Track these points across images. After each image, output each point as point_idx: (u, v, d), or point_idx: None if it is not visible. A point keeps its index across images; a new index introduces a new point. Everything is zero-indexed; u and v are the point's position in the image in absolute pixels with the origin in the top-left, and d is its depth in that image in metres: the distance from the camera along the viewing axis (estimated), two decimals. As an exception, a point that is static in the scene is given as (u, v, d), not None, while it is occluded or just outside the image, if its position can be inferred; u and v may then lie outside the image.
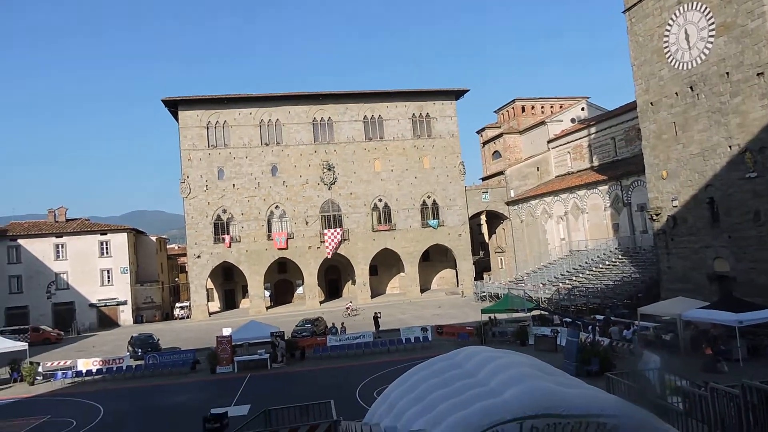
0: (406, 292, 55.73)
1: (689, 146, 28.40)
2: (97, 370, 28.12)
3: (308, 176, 54.12)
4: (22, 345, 29.61)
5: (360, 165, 55.08)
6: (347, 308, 45.94)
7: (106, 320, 52.63)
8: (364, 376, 23.20)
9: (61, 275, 51.89)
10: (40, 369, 28.24)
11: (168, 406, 21.64)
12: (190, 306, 54.67)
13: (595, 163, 50.97)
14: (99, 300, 52.67)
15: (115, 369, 28.19)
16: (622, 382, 13.33)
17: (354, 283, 55.97)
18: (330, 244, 53.24)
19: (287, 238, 53.09)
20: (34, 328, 44.75)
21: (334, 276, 60.59)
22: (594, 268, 42.22)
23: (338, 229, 53.83)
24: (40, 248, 51.97)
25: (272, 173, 53.77)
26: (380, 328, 34.45)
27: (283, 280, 58.77)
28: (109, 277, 53.21)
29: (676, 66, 28.84)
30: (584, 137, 52.77)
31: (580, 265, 44.03)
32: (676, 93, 28.90)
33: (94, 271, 52.81)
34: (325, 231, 53.59)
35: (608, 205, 44.76)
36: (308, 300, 53.86)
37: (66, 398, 24.03)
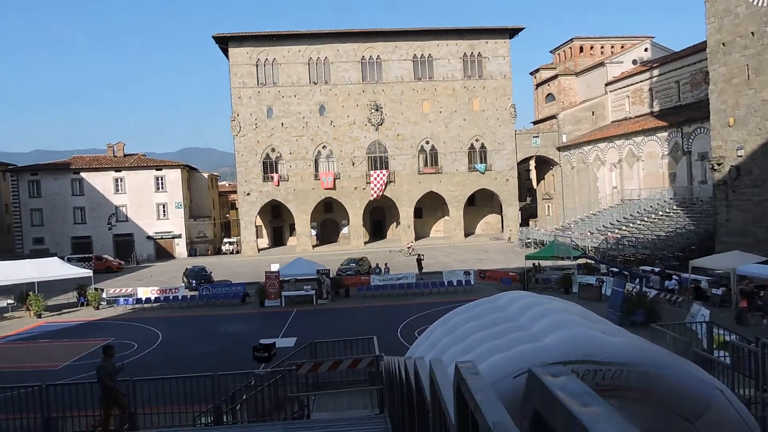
0: (450, 236, 55.83)
1: (762, 91, 26.45)
2: (155, 298, 29.90)
3: (356, 116, 53.81)
4: (87, 272, 31.67)
5: (408, 106, 54.20)
6: (408, 247, 47.19)
7: (162, 252, 55.38)
8: (405, 315, 23.77)
9: (121, 208, 54.48)
10: (104, 295, 30.29)
11: (220, 335, 22.94)
12: (237, 241, 56.76)
13: (656, 109, 48.37)
14: (156, 233, 55.24)
15: (171, 298, 29.89)
16: (668, 333, 13.16)
17: (398, 225, 56.43)
18: (376, 185, 53.44)
19: (334, 179, 53.57)
20: (98, 257, 47.60)
21: (379, 217, 61.15)
22: (646, 218, 40.94)
23: (384, 171, 53.81)
24: (100, 181, 54.49)
25: (320, 113, 53.71)
26: (423, 270, 34.88)
27: (329, 220, 59.82)
28: (164, 211, 55.50)
29: (754, 2, 26.46)
30: (646, 80, 49.89)
31: (631, 215, 42.77)
32: (752, 33, 26.67)
33: (151, 205, 55.13)
34: (372, 172, 53.69)
35: (666, 153, 42.75)
36: (353, 240, 54.83)
37: (127, 323, 25.80)
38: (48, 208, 53.60)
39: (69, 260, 38.98)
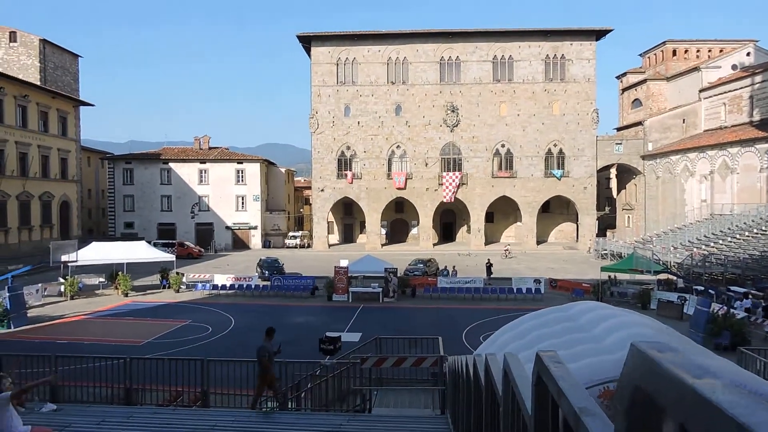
0: (522, 243, 54.48)
1: None
2: (230, 285, 31.25)
3: (431, 117, 53.69)
4: (170, 257, 33.60)
5: (485, 108, 53.43)
6: (506, 250, 47.59)
7: (239, 242, 57.81)
8: (471, 319, 23.47)
9: (203, 198, 57.39)
10: (184, 279, 32.04)
11: (288, 325, 23.61)
12: (303, 236, 58.00)
13: (756, 118, 44.91)
14: (234, 223, 57.73)
15: (245, 286, 31.15)
16: (758, 358, 12.20)
17: (469, 229, 55.76)
18: (448, 187, 53.08)
19: (406, 179, 53.74)
20: (180, 243, 50.34)
21: (449, 219, 60.73)
22: (738, 235, 38.09)
23: (457, 173, 53.35)
24: (186, 172, 57.65)
25: (396, 112, 54.04)
26: (492, 276, 34.28)
27: (399, 220, 60.09)
28: (242, 203, 57.89)
29: None
30: (746, 87, 46.43)
31: (721, 231, 39.94)
32: None
33: (231, 196, 57.68)
34: (444, 174, 53.39)
35: (765, 166, 39.59)
36: (422, 241, 54.76)
37: (204, 307, 27.15)
38: (138, 194, 57.35)
39: (155, 245, 41.37)
